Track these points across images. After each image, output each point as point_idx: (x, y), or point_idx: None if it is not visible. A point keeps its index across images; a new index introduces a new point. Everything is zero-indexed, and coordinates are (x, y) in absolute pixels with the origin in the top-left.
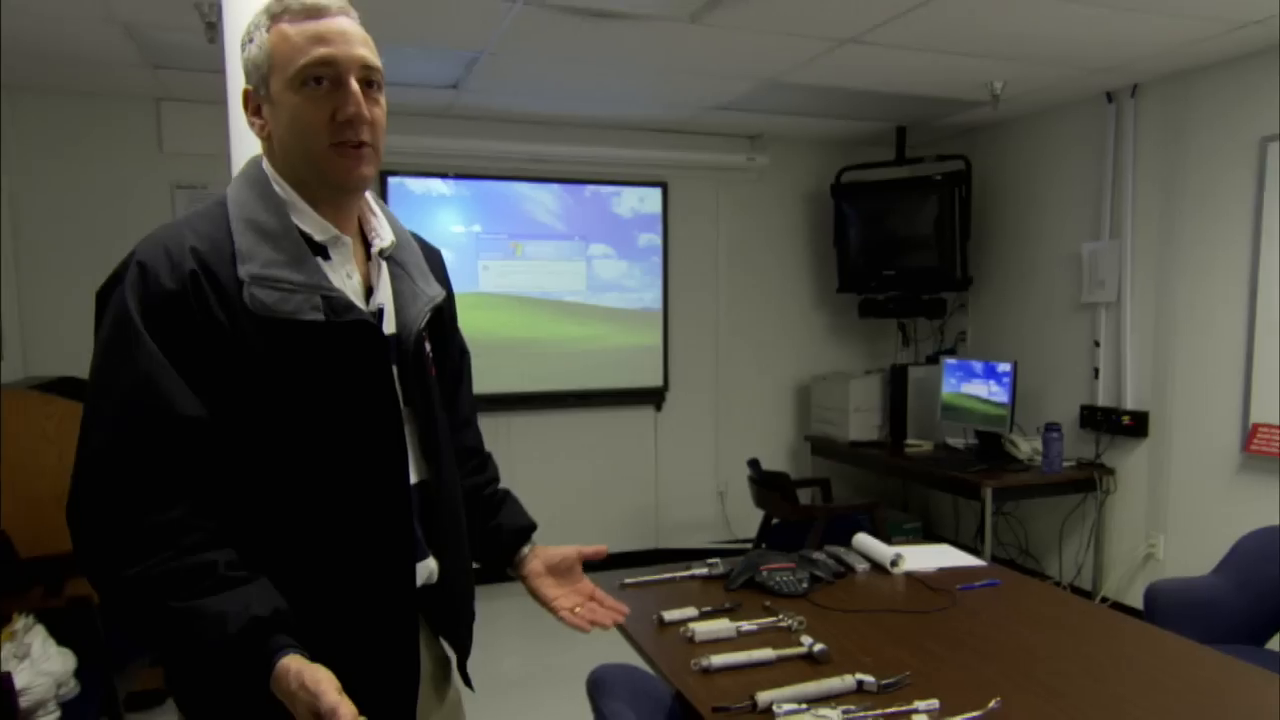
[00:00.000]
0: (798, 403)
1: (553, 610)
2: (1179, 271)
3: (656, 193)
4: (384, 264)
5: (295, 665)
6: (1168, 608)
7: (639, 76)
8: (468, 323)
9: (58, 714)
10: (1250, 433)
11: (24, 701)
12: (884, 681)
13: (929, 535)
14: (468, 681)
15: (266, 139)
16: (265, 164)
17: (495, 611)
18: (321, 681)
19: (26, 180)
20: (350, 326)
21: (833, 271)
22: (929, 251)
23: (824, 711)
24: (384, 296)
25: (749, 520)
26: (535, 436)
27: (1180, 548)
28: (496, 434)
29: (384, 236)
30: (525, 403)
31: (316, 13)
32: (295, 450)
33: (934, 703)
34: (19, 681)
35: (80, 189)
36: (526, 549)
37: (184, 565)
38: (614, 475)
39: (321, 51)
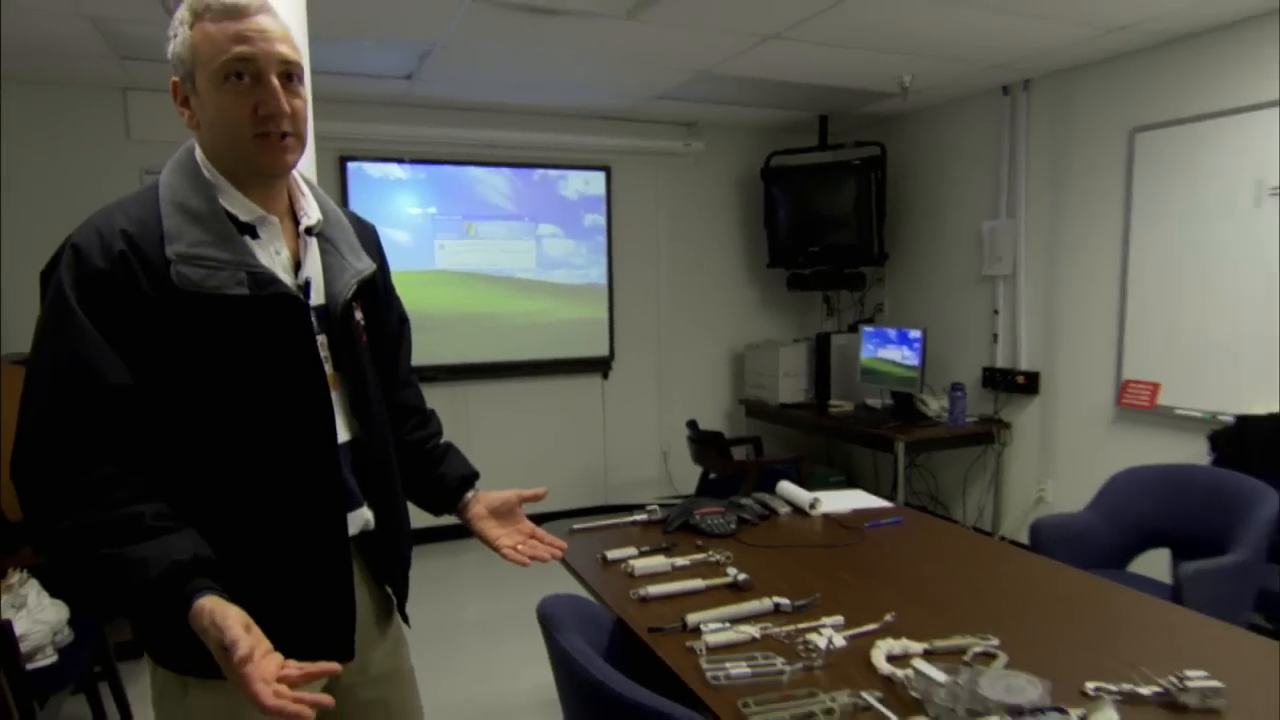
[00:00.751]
0: (733, 369)
1: (495, 548)
2: (1064, 247)
3: (601, 176)
4: (313, 240)
5: (209, 605)
6: (1049, 540)
7: (582, 68)
8: (426, 299)
9: (55, 658)
10: (1122, 388)
11: (24, 646)
12: (797, 603)
13: (851, 486)
14: (406, 621)
15: (195, 128)
16: (196, 150)
17: (458, 564)
18: (229, 618)
19: (8, 165)
20: (274, 299)
21: (763, 248)
22: (849, 230)
23: (744, 628)
24: (312, 270)
25: (690, 477)
26: (491, 404)
27: (1065, 491)
28: (454, 402)
29: (311, 215)
30: (481, 373)
31: (237, 12)
32: (227, 414)
33: (839, 618)
34: (18, 628)
35: (54, 175)
36: (470, 495)
37: (111, 517)
38: (565, 439)
39: (242, 49)
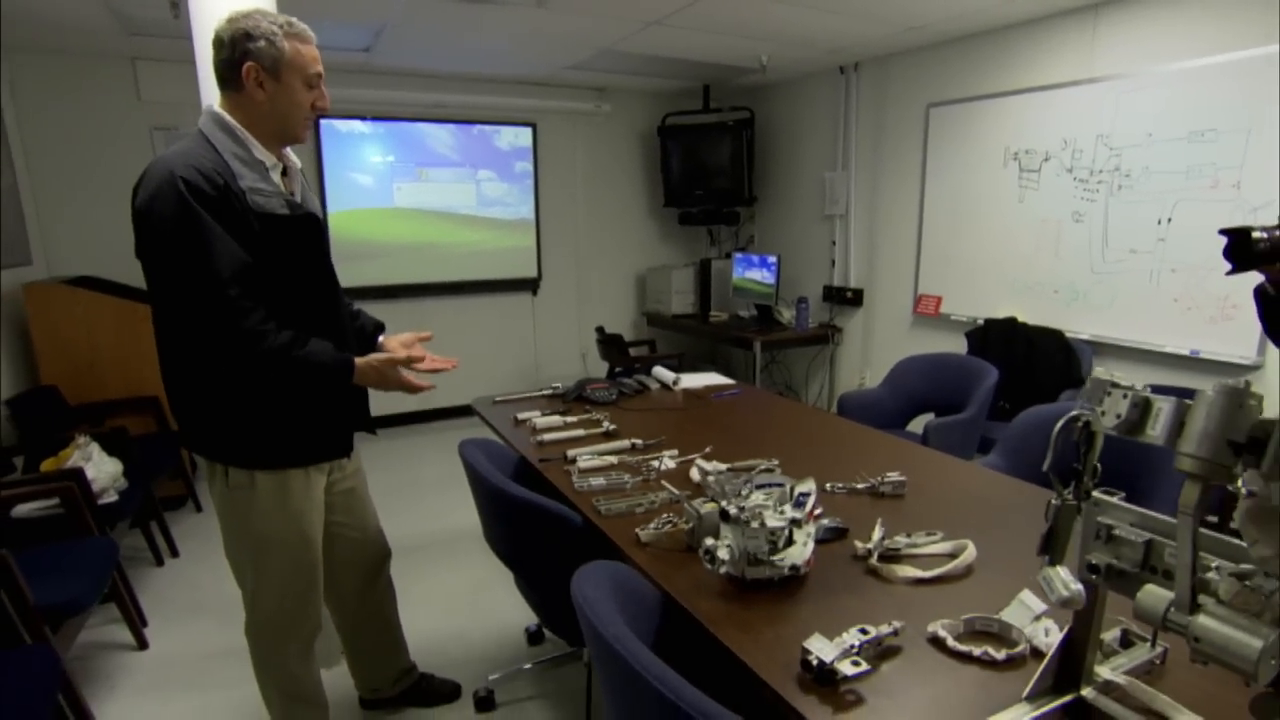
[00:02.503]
0: (637, 288)
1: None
2: (881, 193)
3: (528, 131)
4: (299, 177)
5: (360, 360)
6: (851, 409)
7: (508, 43)
8: (387, 230)
9: (116, 498)
10: (917, 301)
11: (94, 488)
12: (648, 442)
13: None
14: (373, 430)
15: (260, 101)
16: (226, 115)
17: (420, 441)
18: (379, 357)
19: (35, 126)
20: (303, 217)
21: (660, 191)
22: (726, 177)
23: (608, 458)
24: (300, 197)
25: (603, 372)
26: (443, 316)
27: (878, 376)
28: (413, 315)
29: (295, 162)
30: (434, 291)
31: (310, 39)
32: (285, 286)
33: (674, 451)
34: (89, 473)
35: (79, 131)
36: (382, 337)
37: (283, 338)
38: (503, 343)
39: (319, 68)
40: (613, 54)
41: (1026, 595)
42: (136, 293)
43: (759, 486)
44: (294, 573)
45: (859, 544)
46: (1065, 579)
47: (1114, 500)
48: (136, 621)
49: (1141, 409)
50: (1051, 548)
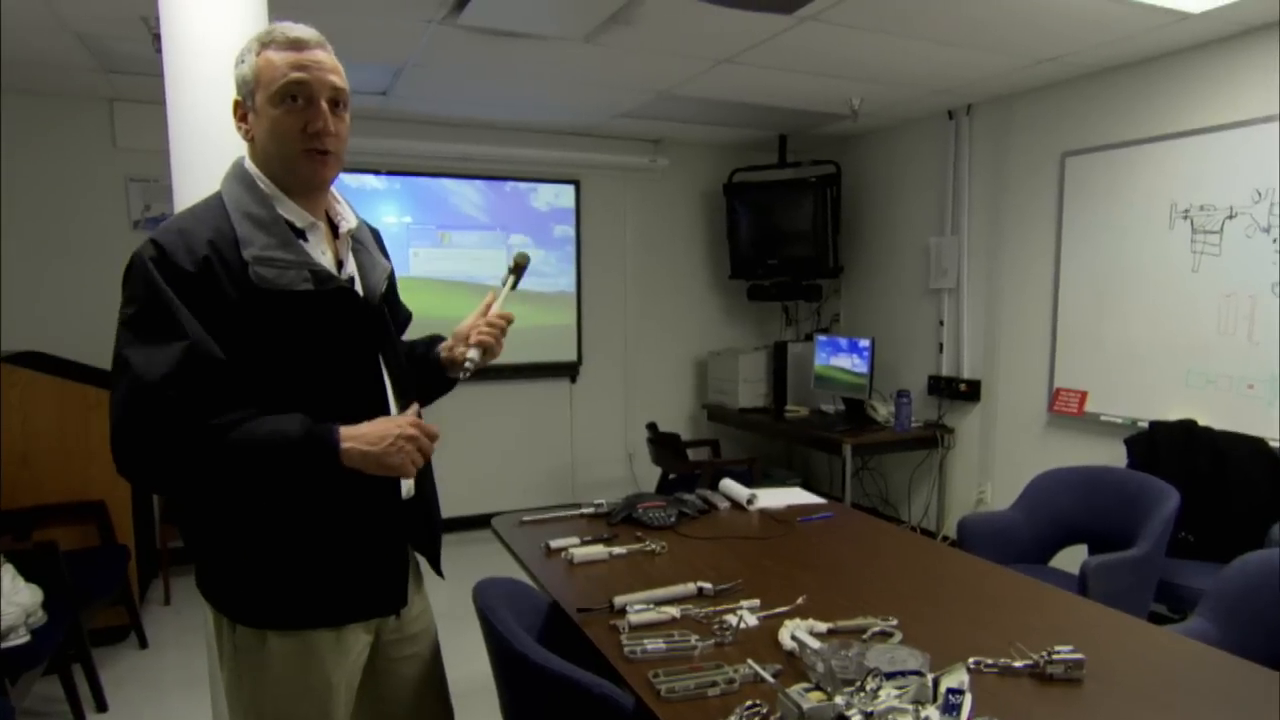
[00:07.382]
0: (696, 375)
1: (465, 348)
2: (1002, 262)
3: (570, 189)
4: (350, 242)
5: (347, 431)
6: (975, 536)
7: (547, 87)
8: None
9: (28, 638)
10: (1054, 395)
11: (0, 626)
12: (719, 587)
13: (807, 487)
14: (440, 574)
15: (250, 142)
16: (248, 164)
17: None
18: (377, 421)
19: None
20: (333, 293)
21: (725, 260)
22: (806, 243)
23: (666, 609)
24: (351, 268)
25: (655, 478)
26: (464, 406)
27: (1002, 492)
28: (426, 406)
29: (349, 220)
30: None
31: (298, 45)
32: (299, 391)
33: (755, 601)
34: None
35: (45, 181)
36: (442, 345)
37: (242, 430)
38: (534, 440)
39: (298, 75)
40: (672, 99)
41: None
42: (89, 372)
43: (887, 676)
44: None
45: None
46: None
47: None
48: None
49: None
50: None
